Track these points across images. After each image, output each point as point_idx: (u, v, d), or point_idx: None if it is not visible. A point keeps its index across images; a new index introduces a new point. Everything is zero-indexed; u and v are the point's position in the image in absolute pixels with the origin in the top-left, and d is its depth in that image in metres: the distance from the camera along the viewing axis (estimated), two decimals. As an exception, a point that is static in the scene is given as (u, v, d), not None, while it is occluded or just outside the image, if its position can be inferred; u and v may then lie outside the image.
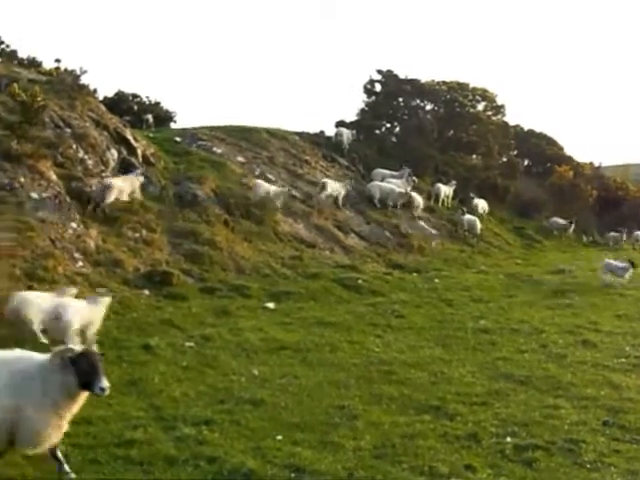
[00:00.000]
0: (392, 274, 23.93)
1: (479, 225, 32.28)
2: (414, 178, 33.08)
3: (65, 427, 8.23)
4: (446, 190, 35.20)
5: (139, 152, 25.11)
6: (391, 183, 31.75)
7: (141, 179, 21.87)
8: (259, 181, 26.68)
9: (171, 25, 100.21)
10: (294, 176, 30.04)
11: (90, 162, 22.52)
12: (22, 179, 19.67)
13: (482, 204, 35.73)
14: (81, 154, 22.49)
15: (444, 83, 43.92)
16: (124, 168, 23.68)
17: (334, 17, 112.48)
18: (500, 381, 12.91)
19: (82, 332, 13.48)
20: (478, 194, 38.54)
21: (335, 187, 28.81)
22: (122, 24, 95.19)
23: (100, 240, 19.59)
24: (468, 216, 32.30)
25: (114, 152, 24.04)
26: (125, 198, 20.99)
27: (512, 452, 9.66)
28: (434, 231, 31.30)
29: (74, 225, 19.49)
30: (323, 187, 28.22)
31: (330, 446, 9.77)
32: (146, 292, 17.88)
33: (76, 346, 8.71)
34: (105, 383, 7.96)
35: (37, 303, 13.66)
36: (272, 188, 26.24)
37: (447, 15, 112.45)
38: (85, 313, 13.57)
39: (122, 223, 20.75)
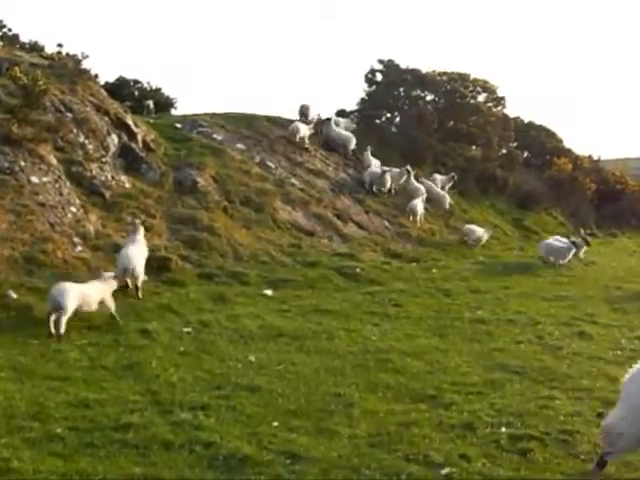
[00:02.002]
0: (390, 263, 23.95)
1: (447, 200, 32.94)
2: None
3: None
4: (443, 180, 35.09)
5: (139, 138, 25.10)
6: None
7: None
8: (471, 226, 28.99)
9: (173, 12, 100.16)
10: (294, 164, 30.02)
11: (90, 147, 22.53)
12: (22, 163, 19.70)
13: (441, 179, 35.55)
14: (81, 139, 22.50)
15: (445, 74, 43.84)
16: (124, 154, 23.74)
17: (335, 6, 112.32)
18: (496, 371, 12.94)
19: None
20: (477, 185, 38.59)
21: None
22: (124, 10, 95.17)
23: (99, 225, 19.64)
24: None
25: (114, 137, 24.02)
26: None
27: (507, 442, 9.69)
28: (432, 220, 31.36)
29: (74, 209, 19.53)
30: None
31: (326, 433, 9.82)
32: (144, 277, 17.92)
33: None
34: None
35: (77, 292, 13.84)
36: (481, 231, 28.34)
37: (449, 5, 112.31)
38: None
39: (121, 208, 20.80)
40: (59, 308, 13.58)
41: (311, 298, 18.64)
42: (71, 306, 13.73)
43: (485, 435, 9.93)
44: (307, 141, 32.69)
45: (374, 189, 30.93)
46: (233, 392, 11.29)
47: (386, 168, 32.01)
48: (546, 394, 11.73)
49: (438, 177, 35.25)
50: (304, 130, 32.80)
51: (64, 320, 13.59)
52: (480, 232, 29.63)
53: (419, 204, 30.44)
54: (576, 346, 14.89)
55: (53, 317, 13.61)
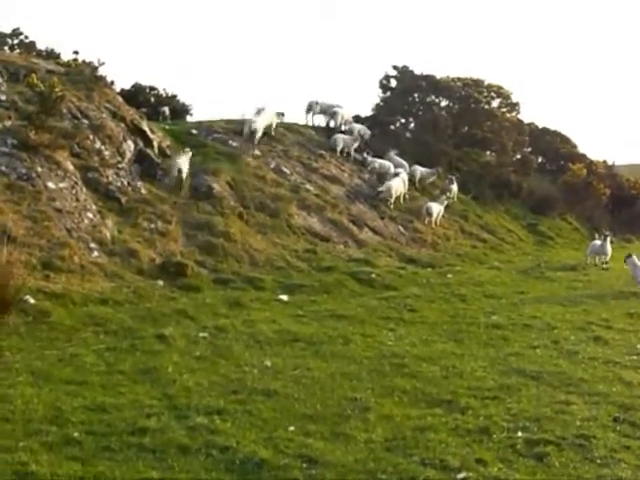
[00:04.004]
0: (405, 268, 23.99)
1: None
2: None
3: None
4: (424, 172, 34.94)
5: (155, 144, 25.26)
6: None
7: None
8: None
9: (187, 20, 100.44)
10: (309, 170, 30.07)
11: (107, 153, 22.67)
12: (39, 169, 19.85)
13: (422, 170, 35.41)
14: (98, 145, 22.64)
15: (459, 79, 43.74)
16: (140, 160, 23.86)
17: (346, 15, 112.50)
18: (512, 376, 12.91)
19: None
20: (492, 191, 38.57)
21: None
22: (140, 17, 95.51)
23: (116, 230, 19.75)
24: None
25: (130, 143, 24.16)
26: None
27: (523, 447, 9.67)
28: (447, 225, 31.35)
29: (90, 215, 19.66)
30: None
31: (342, 438, 9.81)
32: (160, 283, 18.01)
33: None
34: None
35: None
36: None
37: (463, 11, 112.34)
38: None
39: (138, 214, 20.91)
40: None
41: (327, 303, 18.66)
42: None
43: (501, 440, 9.91)
44: (352, 153, 33.23)
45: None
46: (249, 397, 11.29)
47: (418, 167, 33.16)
48: (562, 399, 11.70)
49: (419, 168, 35.08)
50: (343, 142, 33.14)
51: None
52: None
53: (434, 206, 30.49)
54: (592, 351, 14.84)
55: None
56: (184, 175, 24.23)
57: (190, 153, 25.42)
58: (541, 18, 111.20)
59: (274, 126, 32.18)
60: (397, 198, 30.63)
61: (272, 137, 31.36)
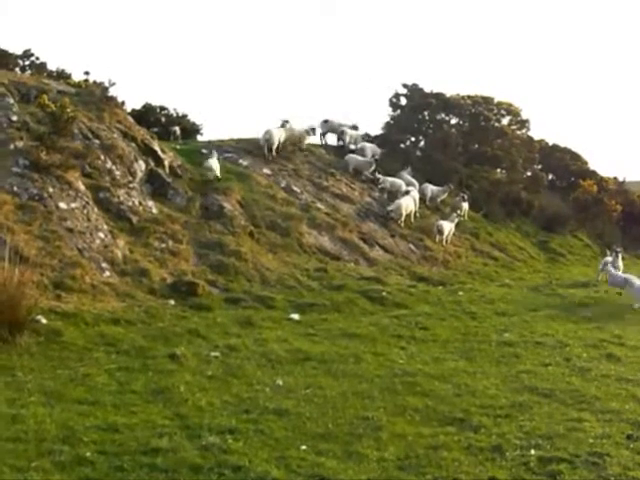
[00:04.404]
0: (416, 287, 23.96)
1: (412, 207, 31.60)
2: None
3: None
4: (434, 191, 34.93)
5: (166, 163, 25.32)
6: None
7: None
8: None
9: (197, 41, 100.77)
10: (319, 189, 30.11)
11: (118, 173, 22.74)
12: (51, 189, 19.93)
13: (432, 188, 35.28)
14: (109, 165, 22.72)
15: (469, 97, 43.77)
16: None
17: (358, 33, 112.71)
18: (524, 394, 12.90)
19: None
20: (503, 209, 38.54)
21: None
22: (149, 38, 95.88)
23: (127, 250, 19.80)
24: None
25: (141, 163, 24.24)
26: None
27: (536, 465, 9.65)
28: (458, 243, 31.34)
29: (101, 235, 19.71)
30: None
31: (354, 456, 9.81)
32: (172, 302, 18.04)
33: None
34: None
35: None
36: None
37: (472, 28, 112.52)
38: None
39: (149, 233, 20.96)
40: None
41: (338, 322, 18.66)
42: None
43: (514, 458, 9.89)
44: (366, 174, 33.57)
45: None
46: (261, 416, 11.29)
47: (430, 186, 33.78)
48: (575, 416, 11.68)
49: (430, 186, 35.05)
50: (356, 163, 33.58)
51: None
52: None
53: (445, 224, 30.50)
54: (604, 368, 14.82)
55: None
56: (218, 173, 26.43)
57: (216, 153, 27.92)
58: (551, 35, 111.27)
59: (304, 142, 33.08)
60: (408, 216, 30.61)
61: (282, 156, 31.40)
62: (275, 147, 31.20)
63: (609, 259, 26.88)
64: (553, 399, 12.65)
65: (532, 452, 10.06)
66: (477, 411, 11.86)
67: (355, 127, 37.86)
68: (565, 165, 47.82)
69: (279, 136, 31.40)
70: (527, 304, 22.61)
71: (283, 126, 32.16)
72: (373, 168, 33.79)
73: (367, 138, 38.24)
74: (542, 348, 16.64)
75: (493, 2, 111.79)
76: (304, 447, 10.06)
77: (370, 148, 35.92)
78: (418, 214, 31.76)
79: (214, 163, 26.92)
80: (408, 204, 30.67)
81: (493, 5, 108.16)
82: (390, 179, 32.64)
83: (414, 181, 33.92)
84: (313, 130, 34.61)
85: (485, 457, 9.90)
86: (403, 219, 30.15)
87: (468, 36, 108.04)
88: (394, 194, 31.69)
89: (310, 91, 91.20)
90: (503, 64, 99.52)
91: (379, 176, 32.73)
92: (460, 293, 23.65)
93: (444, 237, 30.29)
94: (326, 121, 37.02)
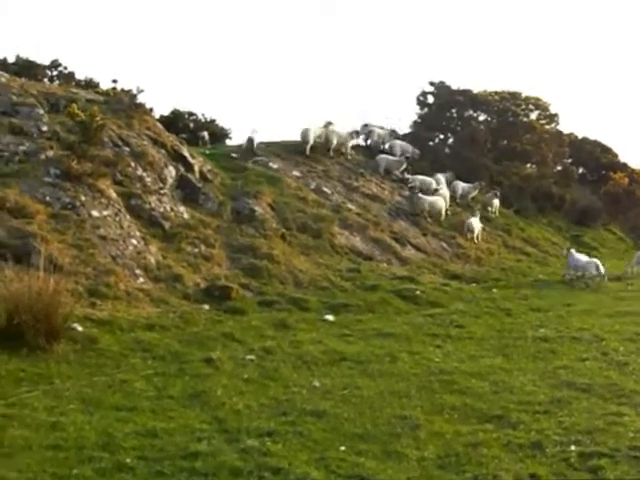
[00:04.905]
0: (450, 285, 23.91)
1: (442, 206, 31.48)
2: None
3: None
4: (465, 188, 34.81)
5: (196, 169, 25.41)
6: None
7: None
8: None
9: (223, 46, 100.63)
10: (349, 189, 30.15)
11: (149, 179, 22.83)
12: (83, 198, 20.03)
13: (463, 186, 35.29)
14: (139, 172, 22.81)
15: (496, 93, 43.69)
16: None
17: (378, 31, 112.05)
18: (562, 389, 12.83)
19: None
20: (534, 204, 38.40)
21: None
22: (176, 46, 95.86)
23: (160, 256, 19.86)
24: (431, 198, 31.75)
25: (172, 169, 24.33)
26: None
27: (577, 460, 9.59)
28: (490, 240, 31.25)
29: (134, 242, 19.79)
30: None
31: (393, 456, 9.80)
32: (206, 306, 18.07)
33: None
34: None
35: None
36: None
37: (498, 23, 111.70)
38: None
39: (181, 239, 21.02)
40: None
41: (372, 322, 18.64)
42: None
43: (554, 454, 9.84)
44: (397, 173, 33.53)
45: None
46: (299, 418, 11.29)
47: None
48: (614, 410, 11.60)
49: (460, 183, 35.10)
50: (386, 163, 33.82)
51: None
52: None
53: (475, 221, 30.42)
54: (642, 361, 14.73)
55: None
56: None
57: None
58: (579, 27, 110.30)
59: (348, 145, 33.64)
60: (439, 214, 30.53)
61: (312, 158, 31.49)
62: (309, 146, 31.89)
63: None
64: (592, 394, 12.57)
65: (572, 448, 10.00)
66: (515, 408, 11.81)
67: (381, 127, 37.98)
68: (596, 158, 47.61)
69: (316, 135, 32.22)
70: (562, 299, 22.51)
71: (326, 127, 32.59)
72: (404, 167, 33.80)
73: (395, 136, 38.17)
74: (578, 343, 16.56)
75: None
76: (343, 448, 10.05)
77: (400, 146, 35.94)
78: (449, 212, 31.67)
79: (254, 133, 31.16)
80: (437, 200, 30.74)
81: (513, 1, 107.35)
82: (420, 177, 32.60)
83: (442, 179, 33.84)
84: (357, 133, 34.93)
85: (525, 454, 9.86)
86: (425, 214, 30.14)
87: (494, 32, 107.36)
88: (425, 193, 31.59)
89: (323, 91, 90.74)
90: (530, 58, 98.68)
91: (408, 175, 32.71)
92: (494, 290, 23.62)
93: (475, 235, 30.23)
94: (366, 125, 37.21)
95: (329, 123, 33.04)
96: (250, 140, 31.77)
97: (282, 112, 78.52)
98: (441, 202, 30.93)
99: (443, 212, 30.92)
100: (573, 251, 26.97)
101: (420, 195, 30.94)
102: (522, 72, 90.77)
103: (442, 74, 75.62)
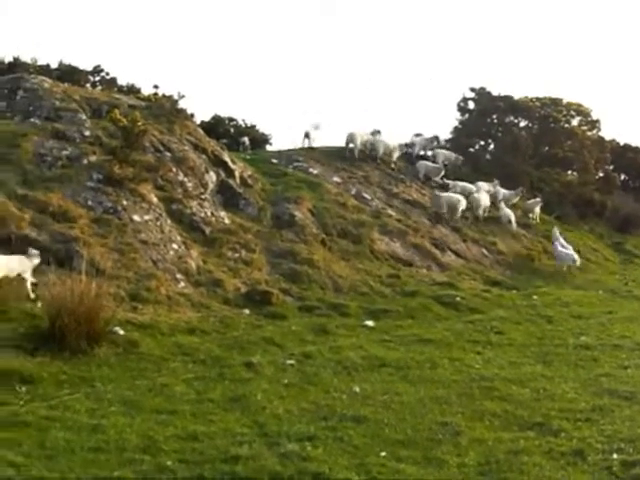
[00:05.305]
0: (490, 291, 23.80)
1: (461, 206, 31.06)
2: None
3: None
4: (507, 195, 34.49)
5: (237, 174, 25.50)
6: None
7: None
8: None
9: (263, 52, 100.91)
10: (390, 195, 30.13)
11: (190, 185, 22.94)
12: (124, 202, 20.17)
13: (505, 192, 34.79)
14: (181, 177, 22.93)
15: (537, 99, 43.51)
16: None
17: (423, 38, 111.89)
18: (604, 397, 12.76)
19: None
20: (575, 210, 38.20)
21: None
22: (215, 51, 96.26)
23: (200, 260, 19.93)
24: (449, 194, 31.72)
25: (212, 175, 24.43)
26: None
27: (619, 468, 9.53)
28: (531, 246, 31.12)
29: (175, 246, 19.88)
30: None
31: (434, 462, 9.78)
32: (246, 311, 18.10)
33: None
34: None
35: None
36: None
37: (539, 30, 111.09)
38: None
39: (222, 244, 21.08)
40: None
41: (412, 328, 18.60)
42: None
43: (596, 462, 9.78)
44: (437, 179, 33.90)
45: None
46: (339, 423, 11.29)
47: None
48: (657, 419, 11.54)
49: (501, 190, 34.61)
50: (425, 169, 34.19)
51: None
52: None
53: (509, 211, 32.19)
54: (685, 370, 14.61)
55: None
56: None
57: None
58: (620, 36, 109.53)
59: (395, 156, 33.79)
60: (455, 210, 30.57)
61: (352, 164, 31.56)
62: (357, 150, 32.42)
63: None
64: (634, 402, 12.51)
65: (614, 456, 9.94)
66: (557, 415, 11.77)
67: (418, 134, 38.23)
68: (638, 165, 47.24)
69: (362, 141, 32.67)
70: (603, 306, 22.38)
71: (373, 134, 33.13)
72: (442, 174, 33.83)
73: (437, 142, 38.17)
74: (620, 351, 16.47)
75: (549, 1, 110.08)
76: (384, 453, 10.05)
77: (442, 154, 36.00)
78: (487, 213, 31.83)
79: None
80: (451, 197, 31.06)
81: (555, 5, 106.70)
82: (461, 184, 32.52)
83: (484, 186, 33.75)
84: (407, 145, 35.52)
85: (567, 461, 9.81)
86: (444, 209, 30.29)
87: (534, 37, 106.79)
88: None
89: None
90: (571, 63, 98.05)
91: (448, 181, 32.70)
92: (535, 297, 23.47)
93: (513, 224, 31.47)
94: (418, 134, 37.47)
95: (377, 132, 33.34)
96: (307, 134, 33.10)
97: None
98: (456, 198, 30.80)
99: (459, 208, 30.71)
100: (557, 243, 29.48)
101: (437, 192, 31.22)
102: (563, 78, 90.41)
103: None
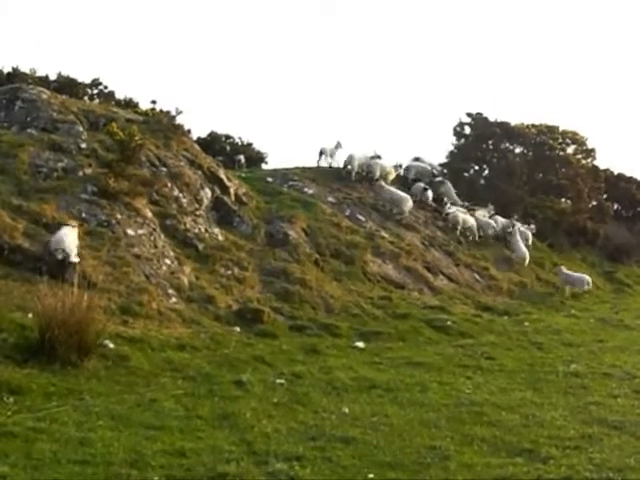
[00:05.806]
0: (481, 316, 23.83)
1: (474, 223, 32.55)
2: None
3: None
4: (525, 232, 34.68)
5: (232, 191, 25.52)
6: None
7: None
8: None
9: (260, 70, 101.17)
10: (383, 217, 30.17)
11: (184, 200, 22.96)
12: (119, 216, 20.17)
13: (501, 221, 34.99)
14: (176, 192, 22.96)
15: (533, 126, 43.67)
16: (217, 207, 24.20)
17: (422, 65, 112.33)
18: (593, 425, 12.72)
19: None
20: (568, 238, 38.30)
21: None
22: (214, 69, 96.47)
23: (193, 276, 19.92)
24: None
25: (208, 191, 24.47)
26: None
27: (606, 497, 9.54)
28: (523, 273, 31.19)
29: (168, 261, 19.87)
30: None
31: (422, 486, 9.77)
32: (237, 329, 18.09)
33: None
34: None
35: None
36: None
37: (534, 57, 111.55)
38: None
39: (215, 261, 21.08)
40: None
41: (403, 350, 18.58)
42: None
43: (585, 490, 9.77)
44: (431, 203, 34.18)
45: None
46: (328, 443, 11.25)
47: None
48: (646, 449, 11.52)
49: (499, 219, 34.82)
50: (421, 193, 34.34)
51: None
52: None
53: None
54: (675, 401, 14.60)
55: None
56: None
57: None
58: (615, 65, 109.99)
59: (390, 177, 33.86)
60: (471, 230, 30.90)
61: (347, 185, 31.62)
62: (354, 172, 32.67)
63: None
64: (623, 431, 12.46)
65: (603, 485, 9.92)
66: (546, 442, 11.73)
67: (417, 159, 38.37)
68: (631, 195, 47.53)
69: (360, 163, 33.00)
70: (594, 335, 22.41)
71: (372, 158, 33.41)
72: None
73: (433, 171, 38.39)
74: (610, 379, 16.45)
75: (549, 30, 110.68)
76: (371, 475, 10.01)
77: (414, 168, 36.93)
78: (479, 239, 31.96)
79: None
80: (468, 219, 31.90)
81: (555, 33, 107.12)
82: (456, 208, 32.71)
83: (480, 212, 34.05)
84: (401, 167, 35.85)
85: (555, 489, 9.79)
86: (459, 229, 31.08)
87: (531, 64, 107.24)
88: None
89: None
90: (569, 92, 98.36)
91: (447, 208, 32.86)
92: (526, 323, 23.49)
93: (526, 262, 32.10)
94: (417, 159, 37.70)
95: (377, 156, 33.49)
96: (322, 152, 33.93)
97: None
98: (472, 220, 31.43)
99: (475, 229, 31.56)
100: (563, 268, 30.51)
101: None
102: (560, 105, 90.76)
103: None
